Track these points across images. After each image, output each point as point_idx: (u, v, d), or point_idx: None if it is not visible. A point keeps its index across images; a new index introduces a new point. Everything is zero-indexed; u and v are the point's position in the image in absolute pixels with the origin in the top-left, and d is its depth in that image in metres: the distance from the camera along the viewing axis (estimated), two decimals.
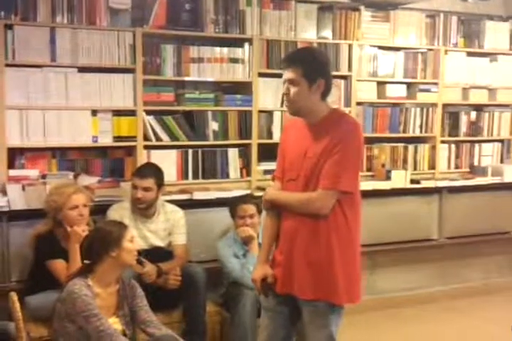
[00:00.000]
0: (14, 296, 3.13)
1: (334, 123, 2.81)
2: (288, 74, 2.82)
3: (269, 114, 4.72)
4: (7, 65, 3.93)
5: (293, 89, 2.81)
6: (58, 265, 3.58)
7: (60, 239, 3.68)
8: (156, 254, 3.89)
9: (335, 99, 4.78)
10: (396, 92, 5.19)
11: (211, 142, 4.55)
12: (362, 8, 4.99)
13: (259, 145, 4.67)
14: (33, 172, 4.01)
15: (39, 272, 3.61)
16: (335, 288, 2.80)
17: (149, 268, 3.70)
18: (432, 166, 5.36)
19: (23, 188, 3.90)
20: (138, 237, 3.81)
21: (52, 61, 4.06)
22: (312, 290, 2.81)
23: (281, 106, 4.71)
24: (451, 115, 5.43)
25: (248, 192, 4.44)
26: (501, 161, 5.66)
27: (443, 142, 5.40)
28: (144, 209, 3.96)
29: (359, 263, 2.91)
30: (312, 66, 2.82)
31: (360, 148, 2.87)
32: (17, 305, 3.09)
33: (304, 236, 2.82)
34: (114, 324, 3.10)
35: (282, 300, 2.94)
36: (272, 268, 2.96)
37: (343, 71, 4.91)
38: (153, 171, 4.00)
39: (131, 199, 3.95)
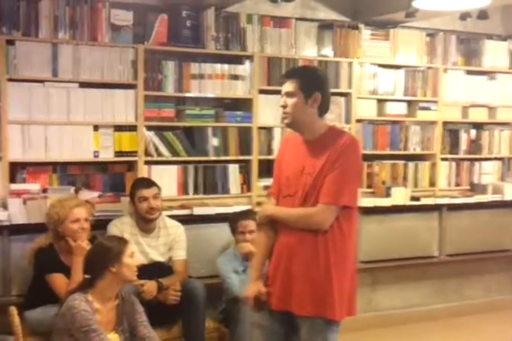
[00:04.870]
0: (14, 310, 3.13)
1: (333, 140, 2.83)
2: (285, 87, 2.89)
3: (269, 130, 4.74)
4: (9, 80, 3.95)
5: (290, 101, 2.86)
6: (57, 279, 3.56)
7: (60, 252, 3.67)
8: (156, 269, 3.89)
9: (335, 116, 4.81)
10: (396, 110, 5.21)
11: (211, 158, 4.56)
12: (362, 26, 5.03)
13: (260, 161, 4.68)
14: (34, 187, 4.01)
15: (38, 286, 3.60)
16: (332, 304, 2.79)
17: (149, 286, 3.69)
18: (432, 183, 5.36)
19: (24, 202, 3.90)
20: (138, 252, 3.79)
21: (54, 76, 4.08)
22: (311, 306, 2.80)
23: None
24: (451, 133, 5.45)
25: (249, 207, 4.43)
26: (502, 179, 5.66)
27: (443, 160, 5.41)
28: (150, 221, 3.95)
29: (355, 277, 2.91)
30: (309, 79, 2.88)
31: (360, 163, 2.91)
32: (17, 319, 3.09)
33: (303, 253, 2.82)
34: (114, 339, 3.10)
35: (278, 318, 2.91)
36: (266, 286, 2.94)
37: (344, 88, 4.93)
38: (153, 181, 4.05)
39: (141, 212, 3.92)
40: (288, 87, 2.87)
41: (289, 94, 2.87)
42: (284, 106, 2.88)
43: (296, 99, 2.84)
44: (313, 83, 2.88)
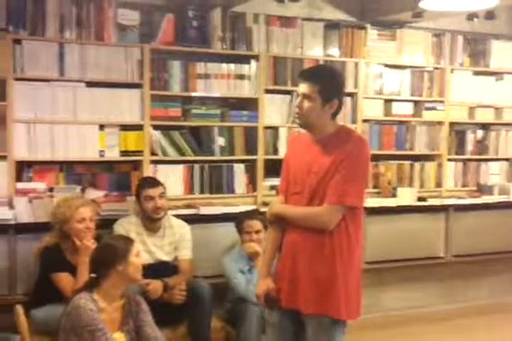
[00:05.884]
0: (20, 309, 3.12)
1: (341, 139, 2.82)
2: (304, 89, 2.83)
3: (275, 130, 4.74)
4: (16, 79, 3.97)
5: (306, 104, 2.82)
6: (63, 278, 3.57)
7: (66, 251, 3.68)
8: (162, 269, 3.89)
9: (341, 116, 4.78)
10: (402, 110, 5.20)
11: (217, 157, 4.56)
12: (368, 26, 5.02)
13: (265, 161, 4.67)
14: (40, 186, 4.02)
15: (44, 285, 3.60)
16: (337, 303, 2.79)
17: (154, 285, 3.69)
18: (439, 184, 5.34)
19: (30, 201, 3.92)
20: (144, 252, 3.78)
21: (60, 75, 4.09)
22: (316, 305, 2.80)
23: (288, 122, 4.72)
24: (458, 133, 5.43)
25: (254, 207, 4.43)
26: (508, 180, 5.63)
27: (449, 160, 5.39)
28: (156, 221, 3.96)
29: (359, 278, 2.90)
30: (330, 85, 2.84)
31: (367, 163, 2.88)
32: (22, 317, 3.08)
33: (308, 251, 2.82)
34: (119, 339, 3.08)
35: (287, 315, 2.92)
36: (275, 282, 2.95)
37: (350, 88, 4.92)
38: (158, 180, 4.06)
39: (147, 211, 3.93)
40: (306, 89, 2.81)
41: (306, 96, 2.81)
42: (300, 108, 2.85)
43: (313, 104, 2.80)
44: (334, 90, 2.84)
